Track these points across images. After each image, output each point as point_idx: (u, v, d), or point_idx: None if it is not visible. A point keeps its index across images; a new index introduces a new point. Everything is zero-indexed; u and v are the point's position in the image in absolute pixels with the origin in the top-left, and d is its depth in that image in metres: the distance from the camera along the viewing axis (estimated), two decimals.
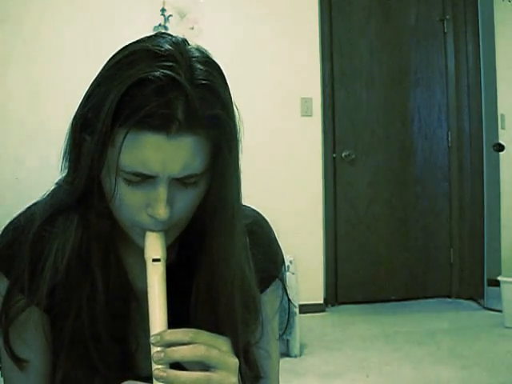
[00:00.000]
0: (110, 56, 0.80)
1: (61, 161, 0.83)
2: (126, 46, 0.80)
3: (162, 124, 0.73)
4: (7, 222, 0.90)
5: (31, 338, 0.87)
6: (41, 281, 0.83)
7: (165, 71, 0.74)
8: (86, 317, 0.84)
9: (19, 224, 0.88)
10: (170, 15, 4.09)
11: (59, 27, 3.98)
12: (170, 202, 0.78)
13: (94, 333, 0.84)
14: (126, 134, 0.74)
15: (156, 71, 0.73)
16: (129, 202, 0.79)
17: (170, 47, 0.77)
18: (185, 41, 0.81)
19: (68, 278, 0.83)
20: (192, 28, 4.12)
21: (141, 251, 0.82)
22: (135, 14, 4.03)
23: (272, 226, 0.99)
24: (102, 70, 0.80)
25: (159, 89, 0.73)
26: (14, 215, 0.91)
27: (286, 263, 3.69)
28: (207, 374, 0.75)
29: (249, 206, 0.98)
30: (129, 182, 0.78)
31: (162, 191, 0.77)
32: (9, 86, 3.95)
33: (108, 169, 0.78)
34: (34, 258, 0.84)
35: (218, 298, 0.84)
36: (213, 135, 0.77)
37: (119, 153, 0.75)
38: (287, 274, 3.21)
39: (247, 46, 4.22)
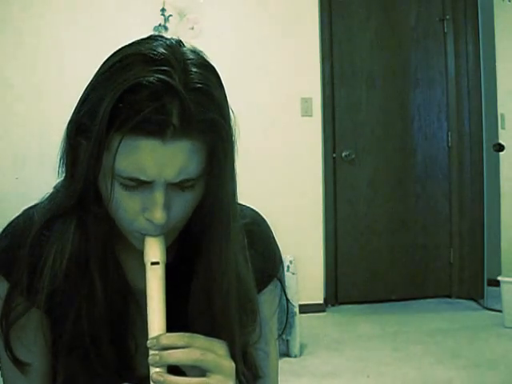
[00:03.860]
0: (104, 60, 0.80)
1: (57, 165, 0.83)
2: (120, 49, 0.80)
3: (157, 129, 0.73)
4: (6, 222, 0.90)
5: (31, 340, 0.87)
6: (40, 284, 0.83)
7: (159, 76, 0.73)
8: (85, 319, 0.84)
9: (18, 227, 0.88)
10: (170, 15, 4.09)
11: (59, 27, 3.99)
12: (166, 206, 0.78)
13: (93, 335, 0.84)
14: (121, 139, 0.73)
15: (150, 76, 0.73)
16: (126, 206, 0.79)
17: (164, 51, 0.76)
18: (179, 42, 0.81)
19: (67, 281, 0.83)
20: (192, 28, 4.12)
21: (139, 253, 0.82)
22: (135, 14, 4.03)
23: (271, 226, 0.99)
24: (96, 74, 0.79)
25: (154, 94, 0.73)
26: (13, 217, 0.91)
27: (286, 263, 3.68)
28: (203, 379, 0.75)
29: (247, 205, 0.98)
30: (125, 187, 0.78)
31: (158, 196, 0.77)
32: (10, 86, 3.95)
33: (104, 173, 0.78)
34: (33, 261, 0.84)
35: (213, 300, 0.84)
36: (208, 139, 0.77)
37: (114, 158, 0.75)
38: (287, 273, 3.21)
39: (247, 46, 4.22)
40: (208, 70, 0.79)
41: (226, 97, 0.80)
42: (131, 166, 0.75)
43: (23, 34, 3.95)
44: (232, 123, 0.81)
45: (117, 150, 0.74)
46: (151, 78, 0.73)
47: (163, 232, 0.81)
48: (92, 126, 0.75)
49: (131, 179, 0.76)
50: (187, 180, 0.78)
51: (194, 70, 0.76)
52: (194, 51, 0.80)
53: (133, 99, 0.73)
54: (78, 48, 3.96)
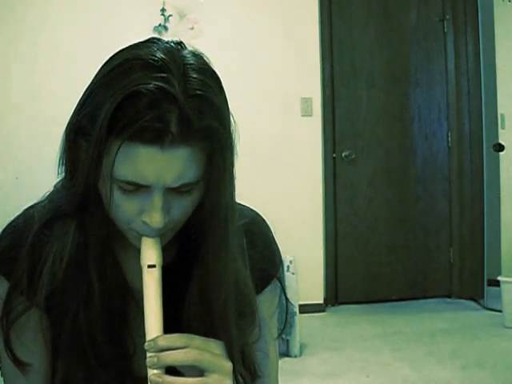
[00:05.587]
0: (103, 62, 0.80)
1: (56, 165, 0.84)
2: (119, 52, 0.80)
3: (156, 137, 0.73)
4: (6, 222, 0.90)
5: (31, 340, 0.87)
6: (39, 284, 0.83)
7: (158, 83, 0.73)
8: (84, 319, 0.84)
9: (18, 227, 0.88)
10: (170, 15, 4.09)
11: (59, 27, 3.99)
12: (164, 210, 0.78)
13: (91, 335, 0.84)
14: (120, 145, 0.74)
15: (149, 83, 0.73)
16: (124, 209, 0.80)
17: (163, 56, 0.76)
18: (180, 45, 0.80)
19: (66, 282, 0.84)
20: (192, 28, 4.12)
21: (138, 254, 0.82)
22: (135, 14, 4.03)
23: (270, 226, 0.99)
24: (96, 77, 0.79)
25: (152, 102, 0.72)
26: (13, 217, 0.91)
27: (286, 263, 3.68)
28: (201, 379, 0.76)
29: (247, 205, 0.98)
30: (124, 190, 0.78)
31: (156, 200, 0.77)
32: (9, 86, 3.96)
33: (104, 177, 0.78)
34: (32, 261, 0.84)
35: (211, 302, 0.84)
36: (207, 146, 0.77)
37: (113, 163, 0.75)
38: (287, 273, 3.21)
39: (247, 46, 4.22)
40: (208, 75, 0.78)
41: (226, 102, 0.80)
42: (130, 172, 0.75)
43: (22, 35, 3.95)
44: (232, 129, 0.80)
45: (115, 156, 0.74)
46: (150, 86, 0.73)
47: (160, 233, 0.81)
48: (92, 130, 0.75)
49: (130, 184, 0.77)
50: (185, 185, 0.78)
51: (194, 75, 0.76)
52: (195, 54, 0.79)
53: (131, 107, 0.73)
54: (78, 48, 3.96)
